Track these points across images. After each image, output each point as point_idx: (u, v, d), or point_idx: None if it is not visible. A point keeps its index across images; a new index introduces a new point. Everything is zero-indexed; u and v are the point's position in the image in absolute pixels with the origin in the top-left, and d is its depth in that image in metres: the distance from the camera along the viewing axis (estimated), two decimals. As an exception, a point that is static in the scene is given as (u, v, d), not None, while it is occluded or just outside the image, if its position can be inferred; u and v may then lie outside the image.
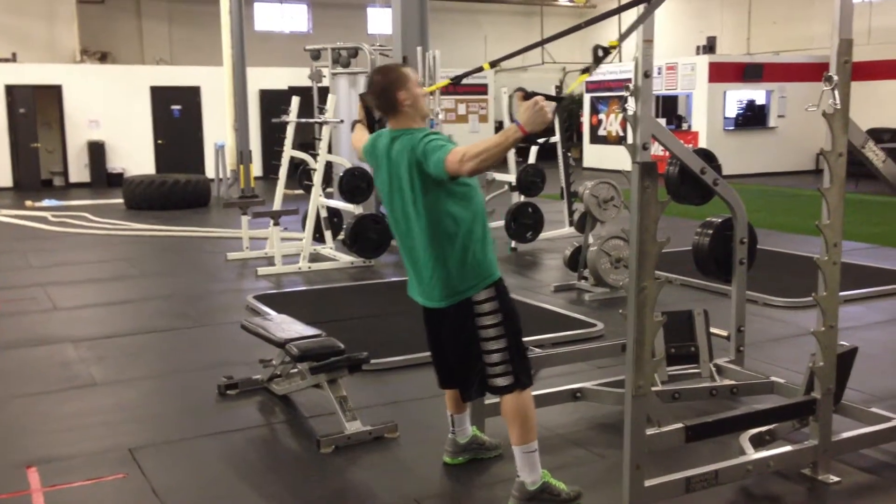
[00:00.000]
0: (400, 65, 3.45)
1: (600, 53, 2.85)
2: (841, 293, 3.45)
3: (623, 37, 2.90)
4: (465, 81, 3.94)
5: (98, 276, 8.45)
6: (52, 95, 17.65)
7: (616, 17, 3.21)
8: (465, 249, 3.23)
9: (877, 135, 16.14)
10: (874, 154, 3.51)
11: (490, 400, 3.71)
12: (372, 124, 3.70)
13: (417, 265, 3.33)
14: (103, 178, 17.83)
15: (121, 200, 14.11)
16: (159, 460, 3.94)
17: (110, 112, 17.98)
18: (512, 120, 2.99)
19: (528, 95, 2.90)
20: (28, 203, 14.42)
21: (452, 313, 3.30)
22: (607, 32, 19.13)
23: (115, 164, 18.07)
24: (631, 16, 3.47)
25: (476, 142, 3.03)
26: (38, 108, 17.57)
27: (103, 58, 19.47)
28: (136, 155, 18.18)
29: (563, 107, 3.41)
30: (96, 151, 17.88)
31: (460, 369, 3.40)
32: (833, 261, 3.37)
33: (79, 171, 17.98)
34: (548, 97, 2.87)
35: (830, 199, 3.34)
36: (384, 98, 3.30)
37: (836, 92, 3.26)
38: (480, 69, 3.55)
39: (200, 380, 5.02)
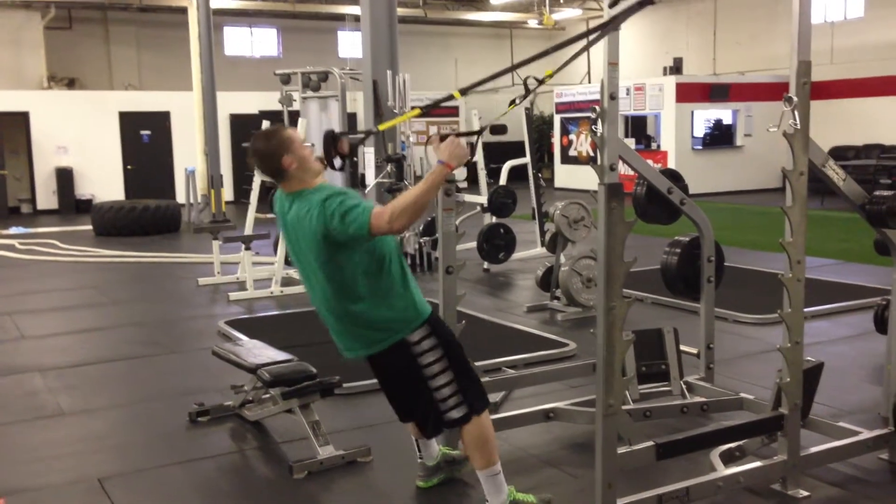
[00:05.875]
0: (281, 128, 3.33)
1: (531, 85, 2.96)
2: (808, 309, 3.50)
3: (559, 68, 3.03)
4: (436, 104, 3.95)
5: (67, 303, 8.34)
6: (19, 122, 17.47)
7: (584, 39, 3.25)
8: (382, 303, 3.15)
9: (841, 152, 16.42)
10: (834, 172, 3.58)
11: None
12: (331, 162, 3.67)
13: (334, 323, 3.26)
14: (72, 204, 17.66)
15: (90, 227, 13.98)
16: (129, 490, 3.88)
17: (79, 138, 17.84)
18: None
19: (442, 137, 3.07)
20: (-5, 231, 14.25)
21: (390, 356, 3.23)
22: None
23: (84, 190, 17.91)
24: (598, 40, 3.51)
25: (400, 196, 2.99)
26: (5, 135, 17.39)
27: (71, 83, 19.32)
28: (105, 181, 18.03)
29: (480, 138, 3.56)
30: (65, 178, 17.71)
31: (413, 408, 3.37)
32: (797, 278, 3.42)
33: (47, 197, 17.79)
34: (460, 134, 3.15)
35: (793, 218, 3.40)
36: (268, 164, 3.20)
37: (796, 112, 3.33)
38: (451, 97, 3.55)
39: (171, 407, 4.97)
